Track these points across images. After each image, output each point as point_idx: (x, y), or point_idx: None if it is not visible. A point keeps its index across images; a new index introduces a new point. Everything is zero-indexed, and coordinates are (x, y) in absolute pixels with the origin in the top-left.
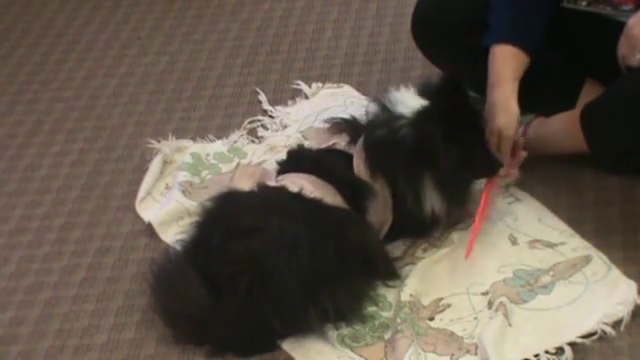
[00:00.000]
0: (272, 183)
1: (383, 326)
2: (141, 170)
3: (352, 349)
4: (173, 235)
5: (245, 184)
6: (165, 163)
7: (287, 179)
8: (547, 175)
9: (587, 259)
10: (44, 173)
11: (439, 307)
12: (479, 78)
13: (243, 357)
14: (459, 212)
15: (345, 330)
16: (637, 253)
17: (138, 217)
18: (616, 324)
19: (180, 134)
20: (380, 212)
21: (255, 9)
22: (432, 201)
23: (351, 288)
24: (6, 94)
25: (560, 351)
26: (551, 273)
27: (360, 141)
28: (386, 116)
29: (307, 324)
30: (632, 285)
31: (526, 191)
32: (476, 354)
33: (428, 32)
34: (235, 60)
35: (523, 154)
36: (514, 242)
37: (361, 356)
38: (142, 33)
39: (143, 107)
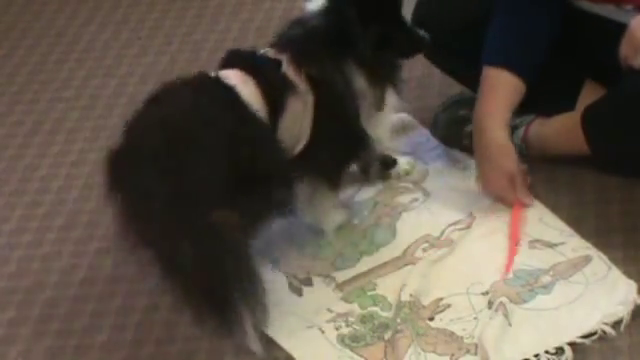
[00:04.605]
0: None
1: (383, 326)
2: None
3: (352, 349)
4: None
5: None
6: None
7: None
8: (547, 175)
9: (587, 259)
10: (44, 173)
11: (439, 307)
12: (479, 79)
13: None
14: (386, 94)
15: (345, 330)
16: (637, 253)
17: None
18: (616, 324)
19: None
20: (298, 117)
21: (255, 9)
22: (359, 84)
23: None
24: (6, 94)
25: (560, 351)
26: (551, 273)
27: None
28: (300, 16)
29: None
30: (632, 285)
31: None
32: (476, 354)
33: (428, 33)
34: None
35: (529, 179)
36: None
37: (361, 356)
38: (142, 33)
39: None
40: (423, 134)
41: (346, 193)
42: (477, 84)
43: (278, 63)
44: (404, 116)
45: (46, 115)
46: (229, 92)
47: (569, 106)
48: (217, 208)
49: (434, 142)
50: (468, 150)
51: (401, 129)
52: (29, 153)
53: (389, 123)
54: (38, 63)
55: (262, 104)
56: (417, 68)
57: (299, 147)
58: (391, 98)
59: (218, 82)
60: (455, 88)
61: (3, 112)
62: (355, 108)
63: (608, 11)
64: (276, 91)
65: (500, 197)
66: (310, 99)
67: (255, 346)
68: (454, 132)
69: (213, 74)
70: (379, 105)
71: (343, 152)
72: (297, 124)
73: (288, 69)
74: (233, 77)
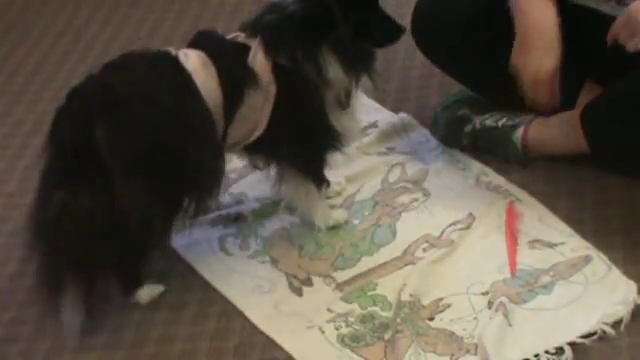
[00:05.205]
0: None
1: (383, 326)
2: None
3: (352, 349)
4: None
5: None
6: None
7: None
8: (547, 175)
9: (587, 259)
10: None
11: (439, 307)
12: (478, 78)
13: None
14: (361, 83)
15: (345, 330)
16: (637, 253)
17: None
18: (616, 324)
19: None
20: (257, 108)
21: (255, 9)
22: (334, 73)
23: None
24: (6, 94)
25: (560, 351)
26: (551, 273)
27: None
28: (275, 2)
29: None
30: (632, 285)
31: (526, 191)
32: (476, 354)
33: (428, 32)
34: None
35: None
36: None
37: (361, 356)
38: (142, 33)
39: None
40: (423, 134)
41: (346, 193)
42: (476, 83)
43: (246, 49)
44: (404, 116)
45: (46, 115)
46: (176, 70)
47: (569, 106)
48: (69, 188)
49: (434, 142)
50: (468, 150)
51: (401, 129)
52: (29, 153)
53: (359, 115)
54: (38, 63)
55: (218, 91)
56: (417, 68)
57: (254, 136)
58: (363, 89)
59: (175, 61)
60: (455, 88)
61: (3, 112)
62: (323, 99)
63: (609, 8)
64: (235, 81)
65: (537, 88)
66: (272, 90)
67: (71, 322)
68: (454, 132)
69: (175, 53)
70: (350, 95)
71: (315, 145)
72: (254, 115)
73: (255, 57)
74: (194, 58)
